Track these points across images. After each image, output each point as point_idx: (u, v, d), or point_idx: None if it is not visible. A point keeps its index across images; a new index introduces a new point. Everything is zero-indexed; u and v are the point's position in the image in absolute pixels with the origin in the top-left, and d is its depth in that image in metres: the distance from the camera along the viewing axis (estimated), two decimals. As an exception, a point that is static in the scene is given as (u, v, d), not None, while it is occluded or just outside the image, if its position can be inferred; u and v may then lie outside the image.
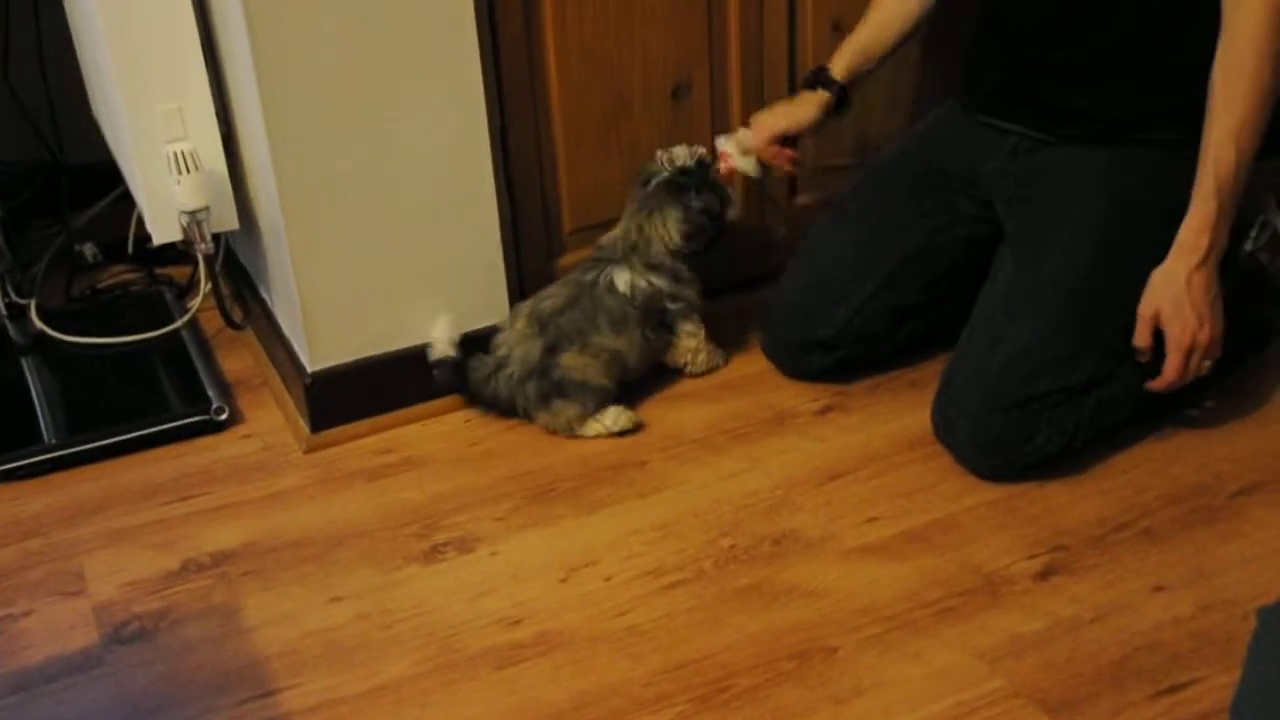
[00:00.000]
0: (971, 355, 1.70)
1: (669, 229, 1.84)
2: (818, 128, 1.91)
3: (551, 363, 1.79)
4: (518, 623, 1.50)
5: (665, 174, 1.85)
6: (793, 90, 2.04)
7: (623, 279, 1.83)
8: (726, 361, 1.98)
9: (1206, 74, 1.58)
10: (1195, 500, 1.63)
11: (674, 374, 1.95)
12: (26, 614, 1.56)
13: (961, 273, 1.86)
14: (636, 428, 1.84)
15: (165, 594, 1.58)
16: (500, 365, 1.82)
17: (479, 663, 1.44)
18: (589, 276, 1.85)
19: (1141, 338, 1.62)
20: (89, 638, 1.51)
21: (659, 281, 1.86)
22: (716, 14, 1.95)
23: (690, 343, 1.92)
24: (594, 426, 1.82)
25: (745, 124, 1.94)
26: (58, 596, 1.58)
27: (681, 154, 1.86)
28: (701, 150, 1.88)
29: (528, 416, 1.84)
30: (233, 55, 1.74)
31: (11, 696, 1.43)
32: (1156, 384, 1.64)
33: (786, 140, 1.90)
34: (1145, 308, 1.62)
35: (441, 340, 1.84)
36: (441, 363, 1.84)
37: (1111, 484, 1.67)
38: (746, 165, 1.92)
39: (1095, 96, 1.71)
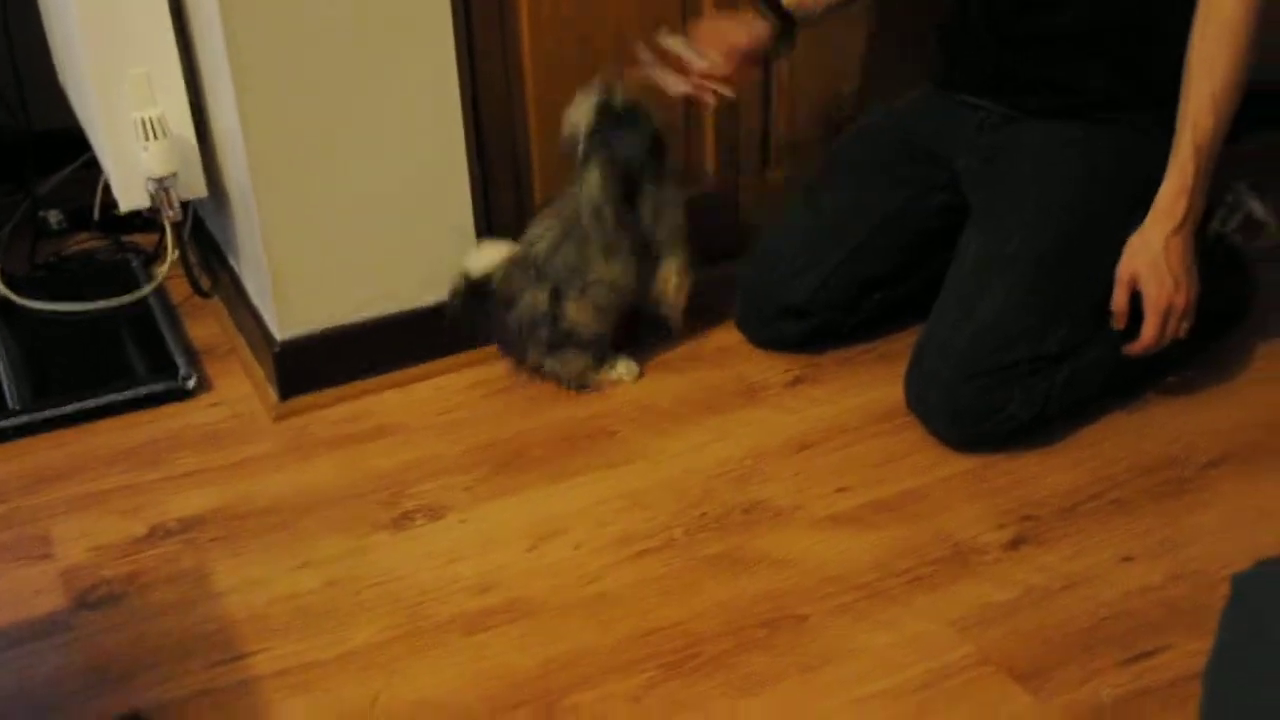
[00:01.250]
0: (943, 326, 1.70)
1: (592, 191, 1.77)
2: (769, 54, 1.83)
3: (558, 311, 1.79)
4: (486, 590, 1.50)
5: (579, 140, 1.77)
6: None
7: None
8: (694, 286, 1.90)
9: (1177, 56, 1.58)
10: (1165, 472, 1.64)
11: (645, 346, 1.94)
12: (-9, 579, 1.55)
13: (933, 242, 1.86)
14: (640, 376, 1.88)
15: (133, 559, 1.56)
16: (509, 303, 1.79)
17: (448, 629, 1.44)
18: (572, 206, 1.79)
19: (1119, 301, 1.63)
20: (56, 602, 1.50)
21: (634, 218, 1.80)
22: (691, -18, 1.94)
23: (670, 264, 1.85)
24: (609, 376, 1.86)
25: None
26: (24, 560, 1.57)
27: (577, 114, 1.77)
28: (596, 97, 1.76)
29: (536, 364, 1.84)
30: (201, 20, 1.72)
31: (-25, 661, 1.42)
32: (1134, 348, 1.64)
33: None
34: (1123, 271, 1.62)
35: (477, 267, 1.79)
36: (459, 294, 1.80)
37: (1082, 455, 1.68)
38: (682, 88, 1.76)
39: (1066, 70, 1.72)
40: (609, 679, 1.36)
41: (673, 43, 1.78)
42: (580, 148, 1.77)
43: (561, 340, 1.80)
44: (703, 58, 1.76)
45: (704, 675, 1.36)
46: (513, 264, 1.82)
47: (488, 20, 1.81)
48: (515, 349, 1.85)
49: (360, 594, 1.50)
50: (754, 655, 1.39)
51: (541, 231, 1.82)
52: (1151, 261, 1.59)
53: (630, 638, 1.42)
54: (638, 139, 1.78)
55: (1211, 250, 1.72)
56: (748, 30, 1.80)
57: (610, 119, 1.77)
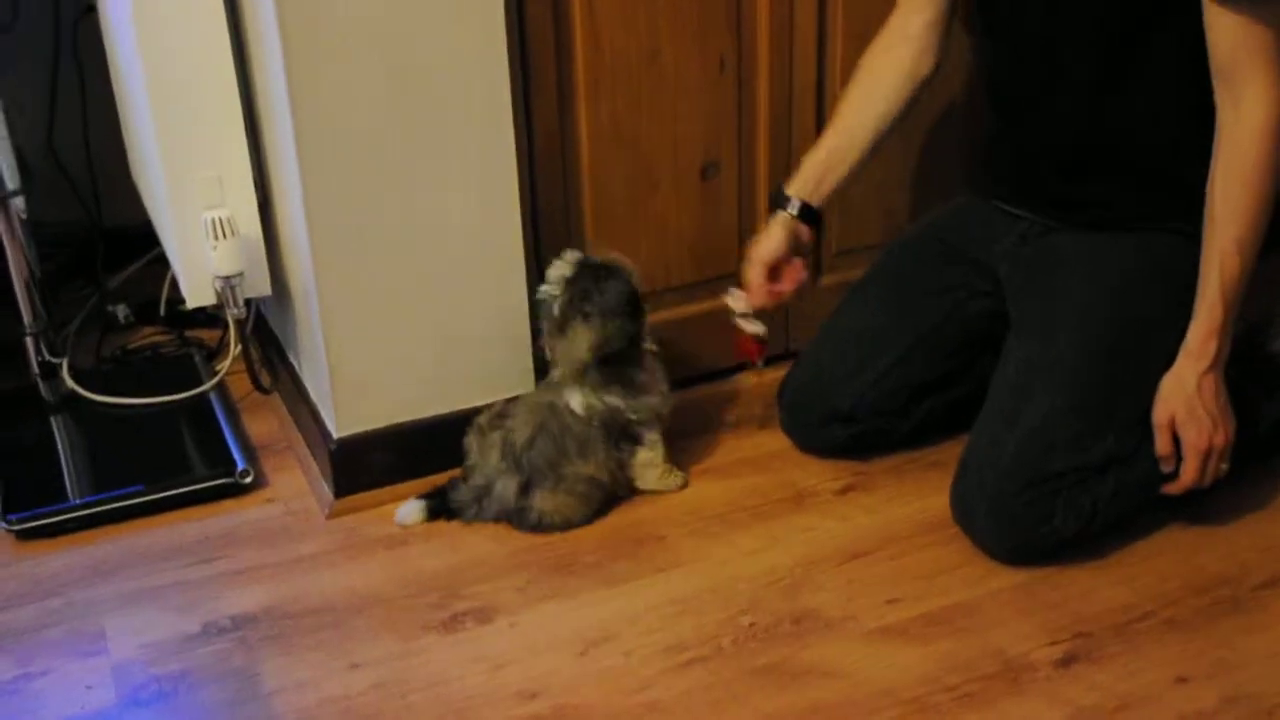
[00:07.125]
0: (986, 436, 1.70)
1: (578, 349, 1.76)
2: (797, 248, 1.86)
3: (526, 505, 1.77)
4: (535, 696, 1.50)
5: (559, 298, 1.76)
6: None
7: (576, 400, 1.78)
8: (684, 485, 1.88)
9: (1205, 169, 1.59)
10: (1219, 591, 1.62)
11: (694, 450, 1.95)
12: (44, 673, 1.56)
13: (981, 347, 1.86)
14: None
15: (185, 656, 1.58)
16: (481, 495, 1.80)
17: (495, 735, 1.44)
18: (547, 398, 1.80)
19: (1163, 445, 1.63)
20: (106, 698, 1.52)
21: (613, 400, 1.79)
22: (746, 91, 1.97)
23: (644, 455, 1.84)
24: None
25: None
26: (77, 656, 1.59)
27: (557, 272, 1.77)
28: (575, 254, 1.77)
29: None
30: (273, 126, 1.78)
31: (27, 755, 1.44)
32: (1174, 487, 1.65)
33: (774, 272, 1.84)
34: (1160, 415, 1.62)
35: (413, 517, 1.82)
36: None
37: (1135, 571, 1.66)
38: (756, 328, 1.87)
39: (1096, 187, 1.74)
40: (655, 791, 1.36)
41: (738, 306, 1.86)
42: (559, 301, 1.76)
43: (533, 529, 1.79)
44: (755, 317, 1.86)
45: (750, 790, 1.36)
46: (491, 436, 1.81)
47: (548, 129, 1.86)
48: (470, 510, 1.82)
49: (408, 697, 1.50)
50: (801, 770, 1.38)
51: (522, 418, 1.80)
52: (1187, 404, 1.60)
53: (677, 749, 1.41)
54: (620, 290, 1.76)
55: (1259, 372, 1.71)
56: (796, 243, 1.84)
57: (589, 272, 1.76)
